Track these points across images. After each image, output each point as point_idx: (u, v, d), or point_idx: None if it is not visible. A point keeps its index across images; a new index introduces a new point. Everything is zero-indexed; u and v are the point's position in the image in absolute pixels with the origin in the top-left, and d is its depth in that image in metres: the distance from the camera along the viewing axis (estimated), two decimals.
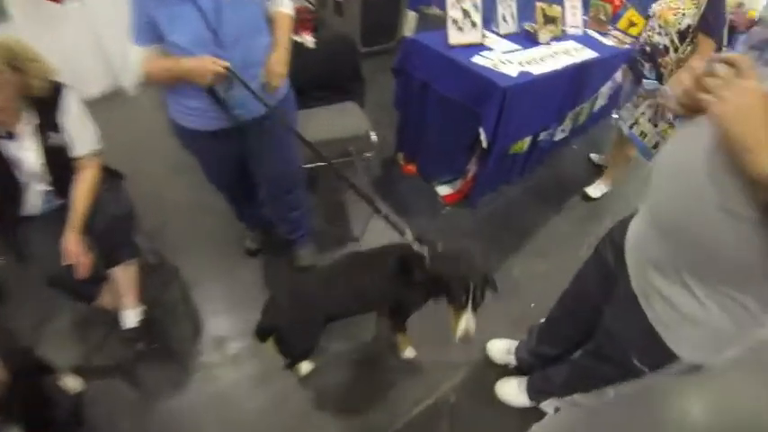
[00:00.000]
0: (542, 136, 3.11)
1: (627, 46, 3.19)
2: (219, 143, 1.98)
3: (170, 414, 2.11)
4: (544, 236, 3.02)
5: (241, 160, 2.17)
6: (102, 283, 2.14)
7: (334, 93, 2.89)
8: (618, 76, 3.18)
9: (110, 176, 2.20)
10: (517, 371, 2.36)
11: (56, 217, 1.93)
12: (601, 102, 3.52)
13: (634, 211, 1.39)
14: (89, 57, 3.62)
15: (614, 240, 1.46)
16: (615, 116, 3.09)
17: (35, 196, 1.92)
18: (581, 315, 1.77)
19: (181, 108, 1.87)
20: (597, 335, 1.59)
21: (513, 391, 2.24)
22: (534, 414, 2.18)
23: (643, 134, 2.69)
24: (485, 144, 2.65)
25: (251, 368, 2.28)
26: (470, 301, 1.50)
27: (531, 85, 2.58)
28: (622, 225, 1.44)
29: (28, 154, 1.82)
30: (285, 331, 1.81)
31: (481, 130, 2.61)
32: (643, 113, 2.67)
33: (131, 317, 2.25)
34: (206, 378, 2.24)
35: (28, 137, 1.81)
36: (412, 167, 3.24)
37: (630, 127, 2.75)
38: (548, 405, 2.15)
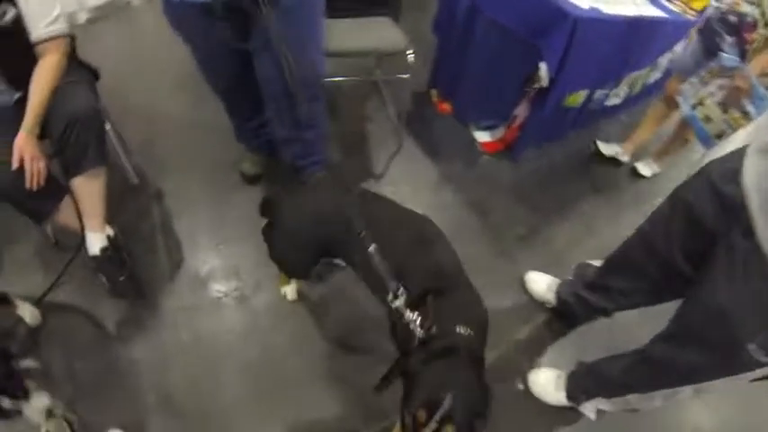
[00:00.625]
0: (597, 95, 2.64)
1: (691, 17, 2.65)
2: (213, 23, 1.52)
3: (131, 361, 1.82)
4: (591, 208, 2.57)
5: (243, 54, 1.69)
6: (59, 198, 1.79)
7: (364, 4, 2.41)
8: (680, 47, 2.67)
9: (79, 69, 1.84)
10: (554, 313, 2.07)
11: (12, 115, 1.66)
12: (656, 74, 3.00)
13: (739, 149, 1.14)
14: None
15: (715, 187, 1.17)
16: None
17: None
18: (649, 268, 1.47)
19: None
20: (683, 313, 1.29)
21: (549, 385, 1.85)
22: (566, 416, 1.81)
23: (707, 118, 2.16)
24: (545, 82, 2.20)
25: (233, 317, 1.94)
26: None
27: (600, 25, 2.14)
28: (724, 167, 1.17)
29: None
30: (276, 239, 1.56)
31: (542, 66, 2.15)
32: (712, 94, 2.14)
33: (95, 242, 1.86)
34: (178, 324, 1.91)
35: None
36: (447, 106, 2.77)
37: (693, 107, 2.21)
38: (589, 407, 1.75)
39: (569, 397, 1.77)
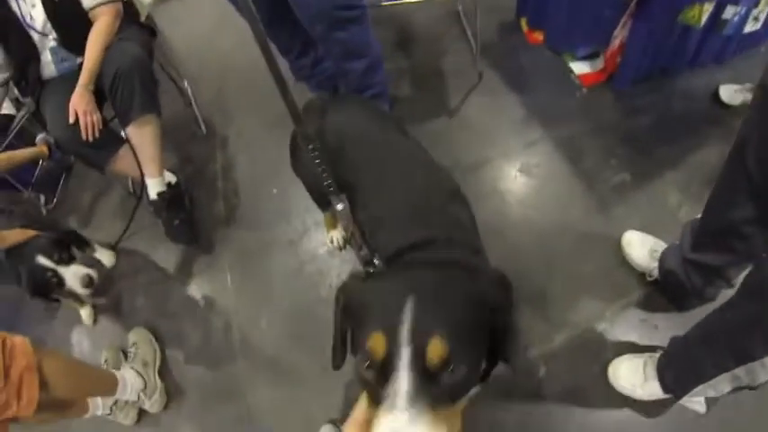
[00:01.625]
0: (728, 13, 2.01)
1: None
2: None
3: (183, 301, 1.87)
4: (716, 159, 2.00)
5: None
6: (116, 147, 1.85)
7: None
8: None
9: (132, 28, 1.92)
10: (657, 287, 1.61)
11: (72, 77, 1.73)
12: None
13: None
14: None
15: None
16: None
17: (48, 56, 1.81)
18: None
19: None
20: None
21: (634, 377, 1.45)
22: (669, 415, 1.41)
23: None
24: None
25: (287, 260, 1.84)
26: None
27: None
28: None
29: (34, 8, 1.73)
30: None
31: None
32: None
33: (153, 187, 1.90)
34: (228, 266, 1.87)
35: None
36: (538, 35, 2.38)
37: None
38: (696, 398, 1.33)
39: (667, 388, 1.37)
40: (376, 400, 0.55)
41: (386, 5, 2.30)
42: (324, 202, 1.40)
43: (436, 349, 0.54)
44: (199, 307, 1.83)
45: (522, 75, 2.30)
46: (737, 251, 1.23)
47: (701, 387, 1.25)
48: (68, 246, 1.62)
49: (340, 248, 1.78)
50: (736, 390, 1.20)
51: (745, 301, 1.07)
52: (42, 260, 1.50)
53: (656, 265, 1.59)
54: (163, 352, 1.76)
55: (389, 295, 0.63)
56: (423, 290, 0.61)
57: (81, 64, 1.75)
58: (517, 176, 1.92)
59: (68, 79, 1.75)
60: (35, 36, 1.76)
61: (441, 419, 0.52)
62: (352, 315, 0.67)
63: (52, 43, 1.79)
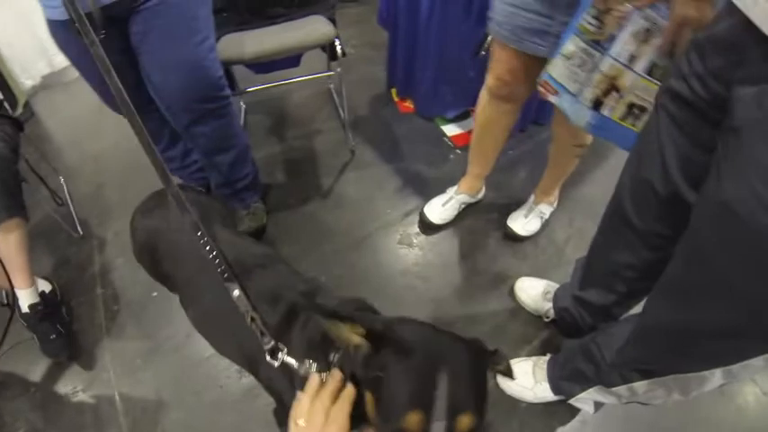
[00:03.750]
0: None
1: None
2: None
3: (70, 424, 1.70)
4: (592, 193, 2.18)
5: (131, 67, 1.57)
6: None
7: (296, 8, 2.22)
8: None
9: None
10: (556, 327, 1.71)
11: None
12: None
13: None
14: (26, 43, 3.11)
15: (702, 42, 0.82)
16: None
17: None
18: (651, 222, 1.08)
19: None
20: (688, 241, 0.88)
21: (525, 380, 1.52)
22: (556, 415, 1.49)
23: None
24: None
25: (174, 366, 1.77)
26: None
27: None
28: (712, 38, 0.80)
29: None
30: None
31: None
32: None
33: (23, 299, 1.77)
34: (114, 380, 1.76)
35: None
36: (409, 104, 2.50)
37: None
38: (585, 399, 1.39)
39: (556, 389, 1.44)
40: None
41: (255, 90, 2.33)
42: (168, 284, 1.40)
43: (467, 424, 0.60)
44: (87, 428, 1.68)
45: (396, 145, 2.40)
46: (620, 292, 1.31)
47: (591, 391, 1.31)
48: None
49: None
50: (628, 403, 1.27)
51: (632, 323, 1.16)
52: None
53: (550, 305, 1.67)
54: None
55: (420, 369, 0.65)
56: (453, 364, 0.65)
57: None
58: (398, 248, 1.97)
59: None
60: None
61: None
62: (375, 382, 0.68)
63: None
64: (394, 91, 2.54)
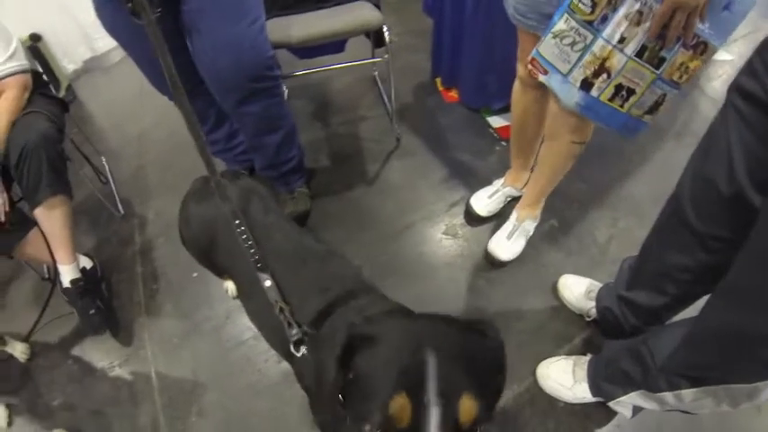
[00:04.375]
0: None
1: None
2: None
3: (105, 397, 1.71)
4: (641, 192, 2.10)
5: (181, 48, 1.56)
6: (23, 231, 1.73)
7: None
8: None
9: (41, 101, 1.80)
10: (597, 326, 1.64)
11: None
12: None
13: None
14: (68, 28, 3.18)
15: None
16: None
17: None
18: (711, 224, 1.03)
19: None
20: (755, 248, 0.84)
21: (565, 378, 1.46)
22: (592, 416, 1.43)
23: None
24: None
25: (212, 347, 1.75)
26: None
27: None
28: None
29: None
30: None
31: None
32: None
33: (65, 274, 1.79)
34: (151, 357, 1.76)
35: None
36: (454, 93, 2.45)
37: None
38: (625, 402, 1.33)
39: (596, 390, 1.39)
40: None
41: (300, 75, 2.31)
42: (216, 271, 1.43)
43: (469, 408, 0.50)
44: (123, 403, 1.69)
45: (441, 134, 2.35)
46: (671, 294, 1.25)
47: (633, 394, 1.26)
48: None
49: (234, 297, 1.78)
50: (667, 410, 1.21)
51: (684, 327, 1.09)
52: None
53: (593, 304, 1.61)
54: None
55: (403, 350, 0.55)
56: (439, 343, 0.55)
57: None
58: (442, 239, 1.93)
59: None
60: None
61: None
62: (359, 369, 0.58)
63: None
64: (439, 80, 2.50)
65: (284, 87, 2.57)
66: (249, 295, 1.15)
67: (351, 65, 2.33)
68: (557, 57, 1.22)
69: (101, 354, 1.81)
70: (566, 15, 1.16)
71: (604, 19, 1.11)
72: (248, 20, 1.51)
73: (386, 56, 2.14)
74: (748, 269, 0.85)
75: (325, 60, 2.32)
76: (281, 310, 0.90)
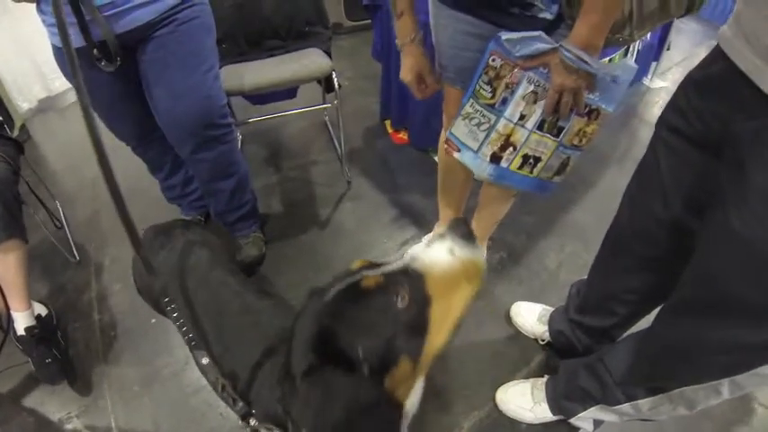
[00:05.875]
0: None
1: None
2: (94, 67, 1.44)
3: None
4: (584, 216, 2.26)
5: (138, 96, 1.63)
6: None
7: (293, 41, 2.29)
8: None
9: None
10: (552, 350, 1.74)
11: None
12: None
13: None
14: (24, 67, 3.20)
15: (697, 81, 0.91)
16: None
17: None
18: (652, 247, 1.13)
19: (44, 18, 1.41)
20: (699, 265, 0.93)
21: (524, 400, 1.55)
22: None
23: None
24: None
25: (172, 394, 1.76)
26: None
27: None
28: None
29: None
30: None
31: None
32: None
33: (19, 322, 1.77)
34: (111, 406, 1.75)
35: None
36: (403, 135, 2.57)
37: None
38: (586, 417, 1.43)
39: (557, 409, 1.47)
40: None
41: (253, 122, 2.39)
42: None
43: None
44: None
45: (391, 176, 2.46)
46: (620, 315, 1.36)
47: (593, 410, 1.35)
48: None
49: None
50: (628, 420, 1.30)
51: (635, 341, 1.21)
52: None
53: (545, 328, 1.72)
54: None
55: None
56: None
57: None
58: None
59: None
60: None
61: None
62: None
63: None
64: (388, 122, 2.61)
65: (238, 134, 2.64)
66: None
67: (302, 111, 2.43)
68: (467, 136, 1.35)
69: (57, 405, 1.78)
70: (471, 100, 1.30)
71: (504, 101, 1.25)
72: (204, 68, 1.58)
73: (335, 101, 2.23)
74: (694, 286, 0.94)
75: (278, 107, 2.41)
76: (223, 387, 0.91)
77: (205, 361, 0.95)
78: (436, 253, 0.73)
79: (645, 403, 1.17)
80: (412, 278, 0.72)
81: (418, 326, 0.69)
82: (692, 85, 0.92)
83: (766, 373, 0.88)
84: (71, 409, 1.76)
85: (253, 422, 0.86)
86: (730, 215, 0.79)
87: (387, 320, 0.68)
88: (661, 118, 1.03)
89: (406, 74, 1.46)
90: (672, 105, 0.98)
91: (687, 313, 0.97)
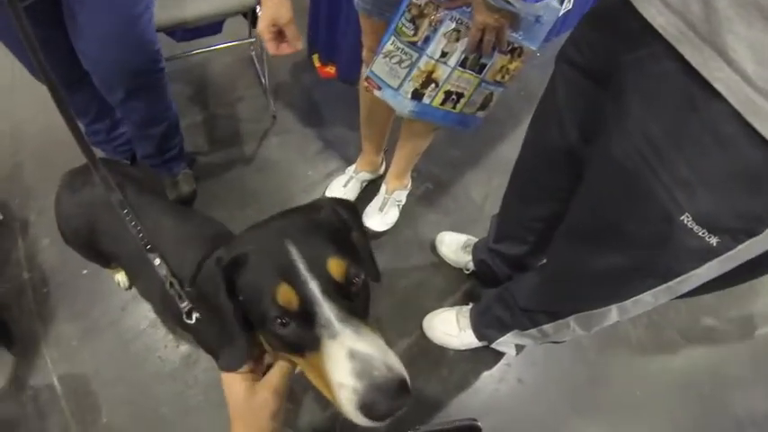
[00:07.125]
0: None
1: None
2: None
3: (10, 417, 1.65)
4: (511, 151, 2.29)
5: (61, 38, 1.48)
6: None
7: None
8: None
9: None
10: (476, 278, 1.84)
11: None
12: None
13: None
14: None
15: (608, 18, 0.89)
16: None
17: None
18: (553, 176, 1.21)
19: None
20: (583, 195, 1.00)
21: (450, 328, 1.65)
22: (483, 359, 1.64)
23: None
24: None
25: (111, 343, 1.78)
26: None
27: None
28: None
29: None
30: None
31: None
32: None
33: None
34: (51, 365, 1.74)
35: None
36: (331, 69, 2.51)
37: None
38: (505, 342, 1.54)
39: (480, 336, 1.58)
40: (305, 347, 0.60)
41: (179, 58, 2.29)
42: (104, 262, 1.48)
43: (338, 267, 0.61)
44: (30, 420, 1.65)
45: (316, 109, 2.47)
46: (531, 242, 1.45)
47: (510, 335, 1.46)
48: None
49: (126, 288, 1.83)
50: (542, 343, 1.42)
51: (536, 273, 1.30)
52: None
53: (470, 258, 1.80)
54: None
55: (265, 250, 0.64)
56: (290, 232, 0.64)
57: None
58: None
59: None
60: None
61: (372, 329, 0.61)
62: (244, 287, 0.65)
63: None
64: (316, 57, 2.54)
65: None
66: (139, 276, 1.22)
67: (228, 45, 2.33)
68: (387, 74, 1.35)
69: None
70: (392, 38, 1.29)
71: (427, 39, 1.24)
72: (138, 11, 1.44)
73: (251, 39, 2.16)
74: (581, 212, 1.01)
75: (203, 42, 2.31)
76: (171, 284, 0.94)
77: (157, 262, 0.97)
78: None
79: (548, 328, 1.27)
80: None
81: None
82: (590, 17, 0.95)
83: (649, 300, 0.95)
84: (15, 373, 1.74)
85: (195, 317, 0.91)
86: (612, 143, 0.84)
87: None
88: (560, 52, 1.06)
89: (261, 21, 1.18)
90: (570, 39, 1.02)
91: (573, 240, 1.05)
